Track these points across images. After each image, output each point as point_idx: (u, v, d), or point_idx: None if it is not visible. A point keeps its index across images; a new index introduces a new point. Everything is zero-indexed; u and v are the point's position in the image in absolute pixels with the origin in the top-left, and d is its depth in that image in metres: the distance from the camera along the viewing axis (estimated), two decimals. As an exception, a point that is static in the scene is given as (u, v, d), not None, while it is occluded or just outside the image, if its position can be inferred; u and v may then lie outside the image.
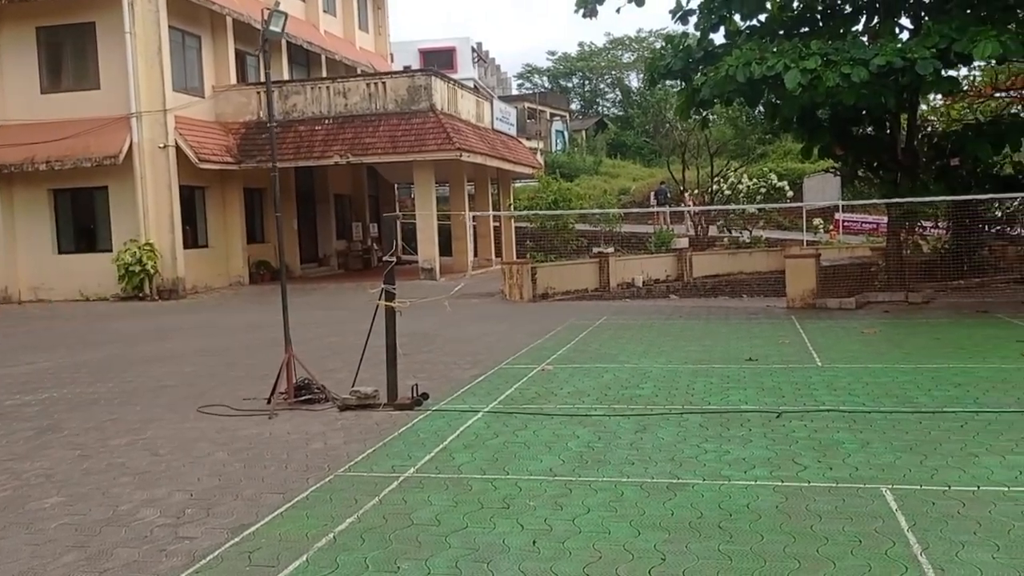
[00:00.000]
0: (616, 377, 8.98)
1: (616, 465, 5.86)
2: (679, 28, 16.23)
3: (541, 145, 52.97)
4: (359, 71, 30.04)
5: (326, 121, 23.29)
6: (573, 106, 72.29)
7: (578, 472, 5.74)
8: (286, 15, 8.00)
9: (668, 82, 17.77)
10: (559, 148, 56.47)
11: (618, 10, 15.11)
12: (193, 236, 23.25)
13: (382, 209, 33.12)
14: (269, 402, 8.17)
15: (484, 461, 6.06)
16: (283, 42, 26.70)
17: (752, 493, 5.17)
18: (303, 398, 8.21)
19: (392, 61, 40.79)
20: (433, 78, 23.03)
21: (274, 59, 26.57)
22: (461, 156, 22.24)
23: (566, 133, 59.25)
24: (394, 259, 7.95)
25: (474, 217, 26.49)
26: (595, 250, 21.56)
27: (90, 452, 6.79)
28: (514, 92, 69.18)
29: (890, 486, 5.19)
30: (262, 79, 25.52)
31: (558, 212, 19.58)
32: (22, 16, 21.58)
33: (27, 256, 22.21)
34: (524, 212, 21.32)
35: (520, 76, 73.38)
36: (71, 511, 5.36)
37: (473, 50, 65.40)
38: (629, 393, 8.17)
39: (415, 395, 7.92)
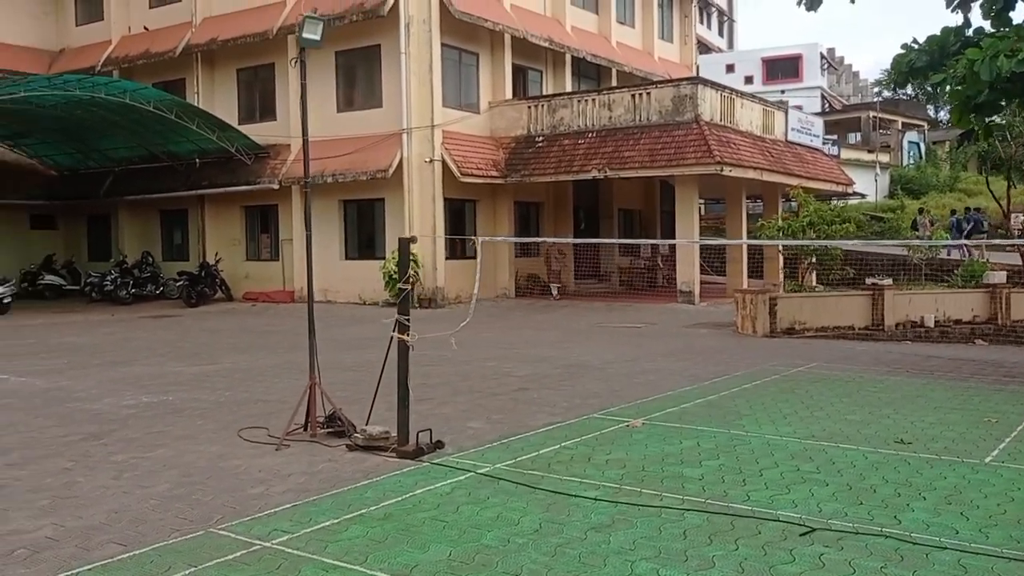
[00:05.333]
0: (697, 447, 7.26)
1: (506, 570, 4.52)
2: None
3: (886, 158, 47.68)
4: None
5: (589, 135, 22.68)
6: (942, 115, 64.33)
7: (439, 577, 4.51)
8: (323, 23, 7.50)
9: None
10: (911, 162, 50.43)
11: (852, 0, 12.61)
12: (461, 248, 23.95)
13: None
14: (311, 431, 7.71)
15: (373, 543, 5.02)
16: (567, 56, 26.66)
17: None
18: (332, 430, 7.67)
19: (719, 70, 39.10)
20: (700, 87, 21.38)
21: (557, 72, 26.69)
22: (722, 170, 20.37)
23: (922, 145, 52.77)
24: (408, 286, 7.12)
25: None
26: (869, 280, 18.46)
27: (79, 466, 6.83)
28: (871, 100, 63.22)
29: None
30: (543, 93, 25.82)
31: (825, 242, 16.96)
32: (325, 42, 23.65)
33: (320, 260, 24.21)
34: (768, 242, 18.70)
35: (879, 83, 66.86)
36: (-57, 531, 5.30)
37: (823, 56, 61.00)
38: (678, 472, 6.49)
39: (419, 443, 7.00)
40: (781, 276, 25.43)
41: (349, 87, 23.83)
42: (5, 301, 22.05)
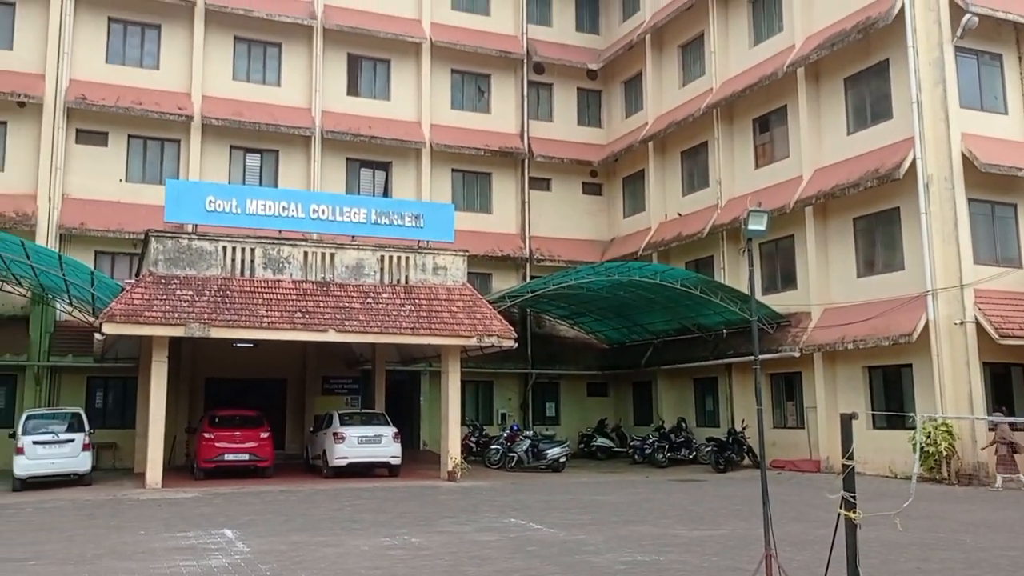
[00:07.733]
0: None
1: None
2: None
3: None
4: None
5: None
6: None
7: None
8: (767, 214, 8.01)
9: None
10: None
11: None
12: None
13: None
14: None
15: None
16: None
17: None
18: (790, 606, 7.66)
19: None
20: None
21: None
22: None
23: None
24: (851, 462, 6.98)
25: None
26: None
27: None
28: None
29: None
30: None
31: None
32: (841, 209, 23.93)
33: (845, 429, 23.60)
34: None
35: None
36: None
37: None
38: None
39: (870, 630, 6.66)
40: None
41: (868, 251, 23.51)
42: (561, 460, 25.40)
